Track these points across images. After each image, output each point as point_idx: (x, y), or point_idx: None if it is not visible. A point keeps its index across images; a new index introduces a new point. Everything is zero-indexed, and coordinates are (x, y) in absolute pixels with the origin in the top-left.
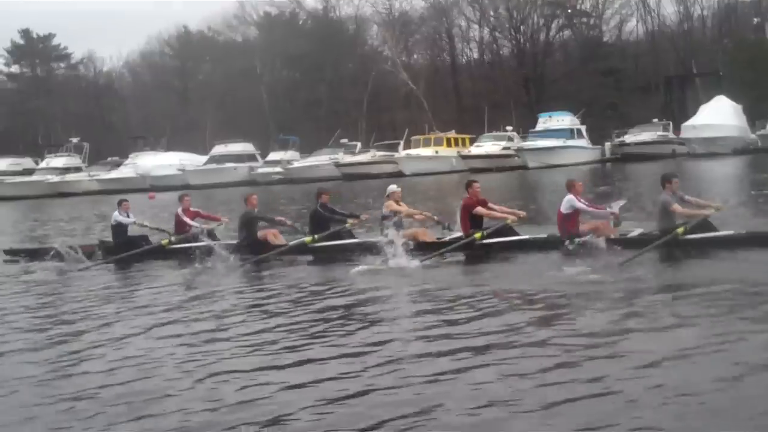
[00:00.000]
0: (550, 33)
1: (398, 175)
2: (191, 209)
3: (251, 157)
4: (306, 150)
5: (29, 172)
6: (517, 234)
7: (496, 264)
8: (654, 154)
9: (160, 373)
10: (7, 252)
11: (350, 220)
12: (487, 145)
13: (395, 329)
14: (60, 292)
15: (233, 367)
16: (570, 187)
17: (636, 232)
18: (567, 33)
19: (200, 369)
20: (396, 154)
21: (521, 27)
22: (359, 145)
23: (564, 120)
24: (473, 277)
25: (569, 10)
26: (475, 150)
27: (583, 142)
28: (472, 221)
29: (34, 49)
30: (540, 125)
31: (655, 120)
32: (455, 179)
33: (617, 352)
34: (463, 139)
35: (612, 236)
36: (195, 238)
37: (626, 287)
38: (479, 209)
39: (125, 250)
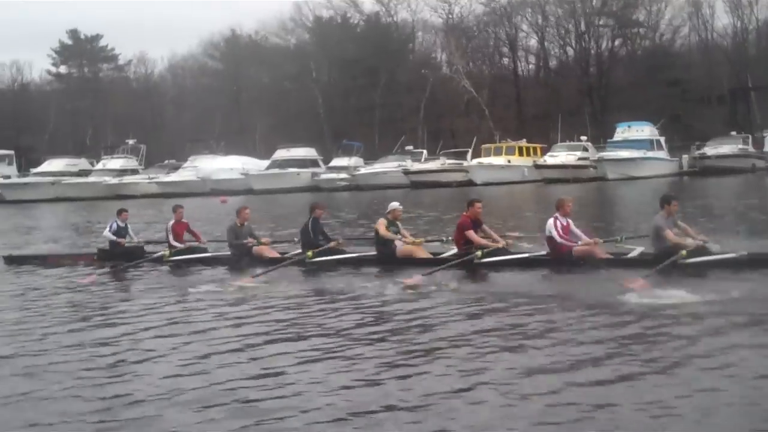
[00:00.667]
0: (614, 42)
1: (468, 184)
2: (182, 221)
3: (314, 163)
4: (364, 156)
5: (85, 173)
6: (507, 253)
7: (493, 281)
8: (734, 168)
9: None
10: (7, 258)
11: (331, 243)
12: (562, 155)
13: (386, 345)
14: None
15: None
16: (558, 207)
17: (636, 251)
18: (624, 42)
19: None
20: (465, 163)
21: (584, 35)
22: (425, 152)
23: (644, 130)
24: (472, 292)
25: (624, 21)
26: (550, 160)
27: (663, 153)
28: (468, 241)
29: (81, 49)
30: (618, 135)
31: (734, 133)
32: (528, 189)
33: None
34: (534, 149)
35: (603, 256)
36: (191, 251)
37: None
38: (470, 233)
39: (122, 259)
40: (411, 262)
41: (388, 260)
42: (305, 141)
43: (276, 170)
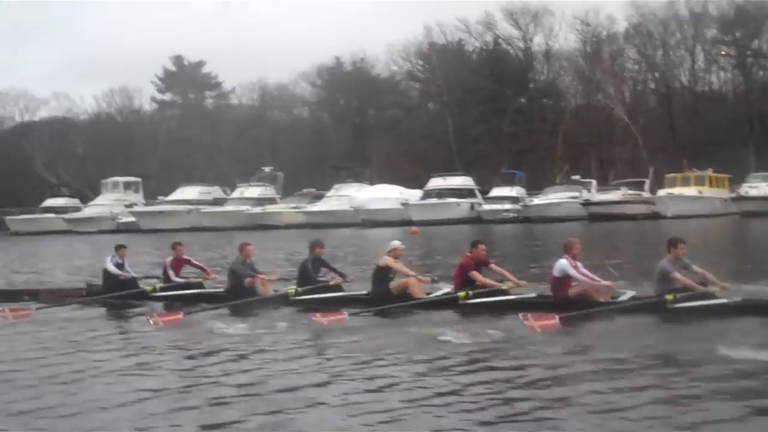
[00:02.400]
0: None
1: (654, 217)
2: (183, 257)
3: (471, 192)
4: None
5: (220, 201)
6: (506, 293)
7: (477, 320)
8: None
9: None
10: None
11: (335, 281)
12: (763, 186)
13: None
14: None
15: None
16: (566, 249)
17: (627, 295)
18: None
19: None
20: (644, 194)
21: (746, 56)
22: (594, 182)
23: None
24: (436, 332)
25: None
26: (752, 191)
27: None
28: (467, 282)
29: (185, 76)
30: None
31: None
32: (723, 223)
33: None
34: (722, 179)
35: (602, 299)
36: (180, 287)
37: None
38: (473, 274)
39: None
40: (401, 298)
41: (378, 299)
42: (436, 169)
43: (435, 200)
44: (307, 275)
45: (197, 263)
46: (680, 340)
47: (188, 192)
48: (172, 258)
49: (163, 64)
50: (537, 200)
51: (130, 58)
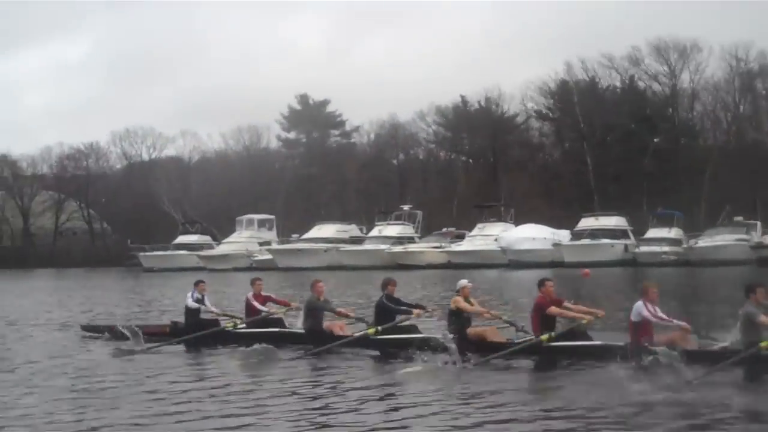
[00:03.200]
0: None
1: None
2: (263, 294)
3: (624, 233)
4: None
5: (357, 239)
6: (589, 338)
7: (559, 371)
8: None
9: None
10: (83, 328)
11: (415, 311)
12: None
13: None
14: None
15: None
16: (643, 293)
17: (719, 344)
18: None
19: None
20: None
21: None
22: (759, 224)
23: None
24: (526, 383)
25: None
26: None
27: None
28: (544, 323)
29: (310, 114)
30: None
31: None
32: None
33: None
34: None
35: (689, 348)
36: (261, 323)
37: (691, 409)
38: (552, 309)
39: (195, 331)
40: (480, 346)
41: (459, 343)
42: (574, 209)
43: (588, 241)
44: (383, 313)
45: (279, 299)
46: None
47: (325, 230)
48: (252, 293)
49: (288, 103)
50: (702, 242)
51: (255, 96)
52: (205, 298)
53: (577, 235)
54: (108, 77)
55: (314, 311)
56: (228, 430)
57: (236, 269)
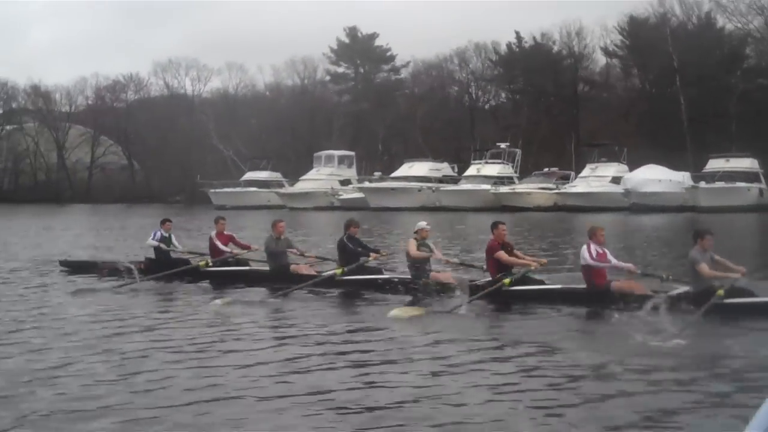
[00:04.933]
0: None
1: None
2: (225, 233)
3: (756, 177)
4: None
5: (451, 179)
6: (543, 283)
7: (521, 313)
8: None
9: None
10: (63, 263)
11: (372, 255)
12: None
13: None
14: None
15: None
16: (591, 235)
17: (680, 290)
18: None
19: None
20: None
21: None
22: None
23: None
24: (495, 326)
25: None
26: None
27: None
28: (499, 265)
29: (358, 48)
30: None
31: None
32: None
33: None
34: None
35: (643, 293)
36: (231, 263)
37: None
38: (500, 254)
39: (164, 269)
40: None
41: (419, 283)
42: (663, 149)
43: (723, 184)
44: (346, 253)
45: (240, 241)
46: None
47: (417, 168)
48: (215, 232)
49: (337, 35)
50: None
51: (305, 29)
52: (172, 237)
53: (707, 178)
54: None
55: (273, 254)
56: (208, 369)
57: (318, 208)
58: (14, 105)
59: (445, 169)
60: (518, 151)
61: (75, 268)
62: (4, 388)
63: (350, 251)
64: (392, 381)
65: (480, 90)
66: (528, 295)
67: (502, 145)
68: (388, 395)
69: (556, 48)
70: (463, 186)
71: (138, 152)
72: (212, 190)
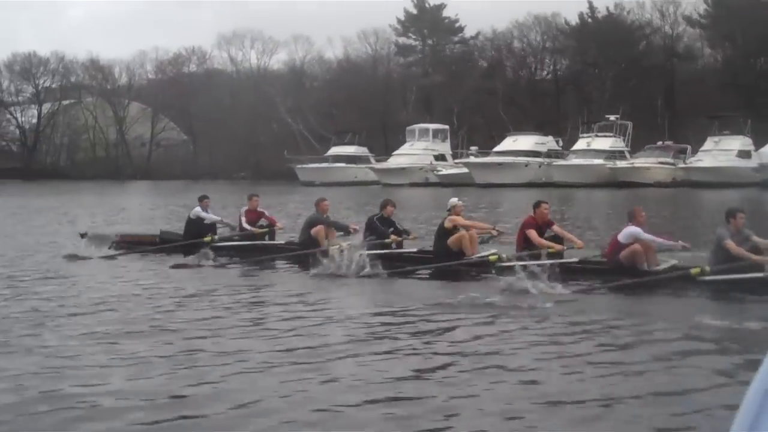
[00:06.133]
0: None
1: None
2: (258, 210)
3: None
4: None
5: (557, 153)
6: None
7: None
8: None
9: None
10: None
11: (392, 237)
12: None
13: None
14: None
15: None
16: (631, 216)
17: (669, 263)
18: None
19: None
20: None
21: None
22: None
23: None
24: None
25: None
26: None
27: None
28: (526, 241)
29: (428, 19)
30: None
31: None
32: None
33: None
34: None
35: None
36: (241, 238)
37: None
38: (531, 232)
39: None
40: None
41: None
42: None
43: None
44: (373, 232)
45: (270, 216)
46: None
47: (521, 142)
48: (246, 208)
49: (404, 6)
50: None
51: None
52: (209, 212)
53: None
54: None
55: (312, 225)
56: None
57: (413, 185)
58: (73, 79)
59: (550, 142)
60: (629, 124)
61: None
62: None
63: (379, 232)
64: (382, 361)
65: (553, 63)
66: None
67: (612, 117)
68: (396, 372)
69: (631, 18)
70: (576, 161)
71: (200, 127)
72: (299, 166)
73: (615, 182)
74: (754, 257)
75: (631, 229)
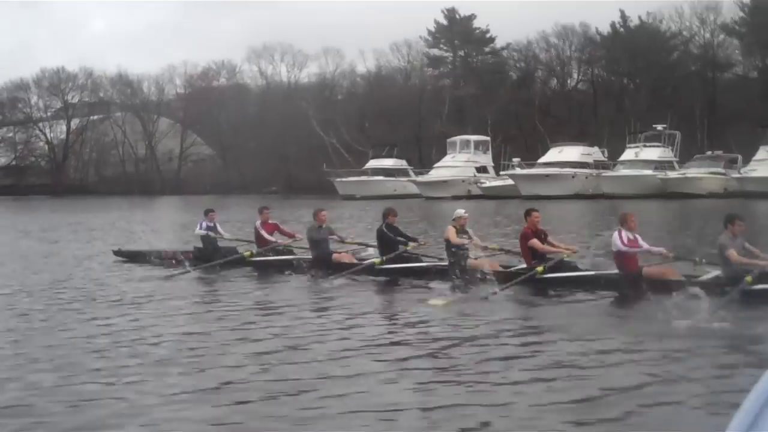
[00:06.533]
0: None
1: None
2: (270, 222)
3: None
4: None
5: (602, 164)
6: (577, 269)
7: (555, 300)
8: None
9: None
10: (116, 253)
11: (411, 244)
12: None
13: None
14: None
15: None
16: (622, 221)
17: (712, 274)
18: None
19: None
20: None
21: None
22: None
23: None
24: (528, 312)
25: None
26: None
27: None
28: (533, 252)
29: (457, 30)
30: None
31: None
32: None
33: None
34: None
35: (675, 278)
36: (276, 252)
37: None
38: (534, 242)
39: (213, 259)
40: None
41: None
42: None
43: None
44: (385, 242)
45: (285, 230)
46: None
47: (567, 153)
48: (260, 221)
49: (435, 17)
50: None
51: (401, 13)
52: (218, 226)
53: None
54: None
55: (315, 242)
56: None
57: (455, 197)
58: (101, 94)
59: (596, 153)
60: (677, 134)
61: (129, 257)
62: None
63: (389, 240)
64: (419, 369)
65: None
66: (561, 281)
67: (659, 127)
68: (418, 383)
69: (664, 26)
70: (625, 171)
71: (230, 141)
72: (338, 180)
73: (665, 193)
74: (762, 263)
75: (613, 237)
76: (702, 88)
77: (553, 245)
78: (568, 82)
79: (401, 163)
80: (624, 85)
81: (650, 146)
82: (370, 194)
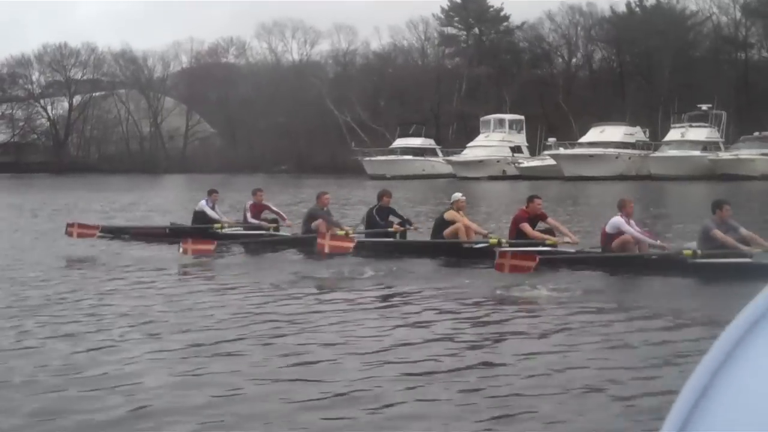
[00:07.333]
0: None
1: None
2: (263, 203)
3: None
4: None
5: (645, 144)
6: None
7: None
8: None
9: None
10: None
11: (395, 227)
12: None
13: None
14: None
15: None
16: (621, 207)
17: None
18: None
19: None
20: None
21: None
22: None
23: None
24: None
25: None
26: None
27: None
28: (519, 235)
29: (473, 8)
30: None
31: None
32: None
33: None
34: None
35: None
36: (247, 228)
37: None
38: (525, 226)
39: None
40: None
41: (433, 246)
42: None
43: None
44: (371, 223)
45: (275, 209)
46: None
47: (610, 133)
48: (251, 202)
49: None
50: None
51: None
52: (216, 207)
53: None
54: None
55: (312, 218)
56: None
57: (491, 178)
58: (104, 70)
59: (638, 133)
60: (723, 114)
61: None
62: None
63: (375, 224)
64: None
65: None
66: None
67: (704, 107)
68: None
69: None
70: (672, 152)
71: (239, 119)
72: (366, 159)
73: (714, 175)
74: (742, 246)
75: (615, 220)
76: (731, 69)
77: (557, 228)
78: (591, 61)
79: (429, 142)
80: (651, 63)
81: (696, 126)
82: (399, 174)
